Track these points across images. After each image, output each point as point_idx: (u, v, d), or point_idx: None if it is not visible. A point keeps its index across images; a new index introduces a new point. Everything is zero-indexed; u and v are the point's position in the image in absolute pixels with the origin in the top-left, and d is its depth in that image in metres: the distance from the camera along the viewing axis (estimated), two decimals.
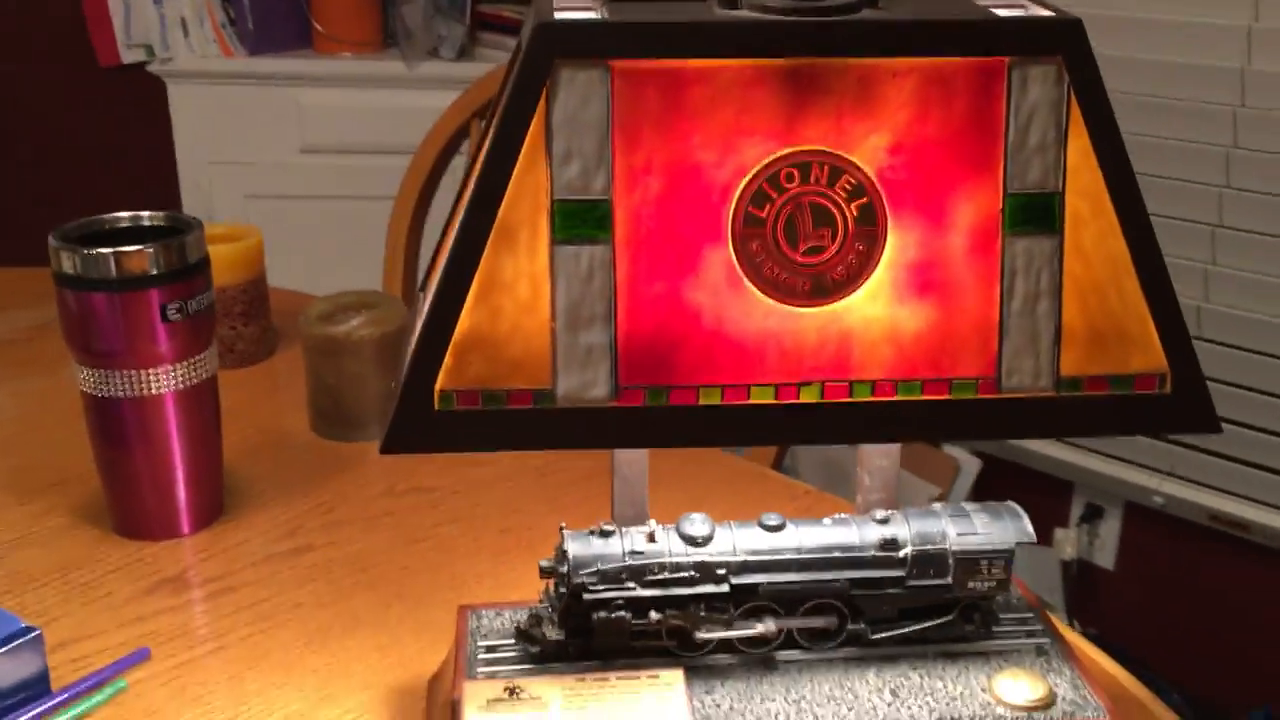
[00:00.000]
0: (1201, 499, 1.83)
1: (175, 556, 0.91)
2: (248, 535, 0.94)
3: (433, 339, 0.54)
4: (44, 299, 0.97)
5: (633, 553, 0.65)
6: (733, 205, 0.54)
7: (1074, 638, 0.74)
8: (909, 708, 0.64)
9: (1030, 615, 0.72)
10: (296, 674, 0.78)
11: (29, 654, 0.73)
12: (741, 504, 0.96)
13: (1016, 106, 0.54)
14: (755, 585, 0.65)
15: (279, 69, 2.35)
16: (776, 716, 0.64)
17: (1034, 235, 0.55)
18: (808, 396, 0.56)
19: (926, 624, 0.67)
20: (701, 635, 0.66)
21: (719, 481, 1.01)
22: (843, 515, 0.68)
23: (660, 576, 0.65)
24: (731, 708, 0.65)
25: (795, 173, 0.54)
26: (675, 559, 0.65)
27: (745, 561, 0.65)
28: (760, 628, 0.66)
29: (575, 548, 0.65)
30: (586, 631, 0.66)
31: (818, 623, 0.67)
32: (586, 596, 0.64)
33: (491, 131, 0.54)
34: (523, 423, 0.55)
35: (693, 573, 0.65)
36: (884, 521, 0.67)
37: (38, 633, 0.73)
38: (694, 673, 0.66)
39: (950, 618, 0.68)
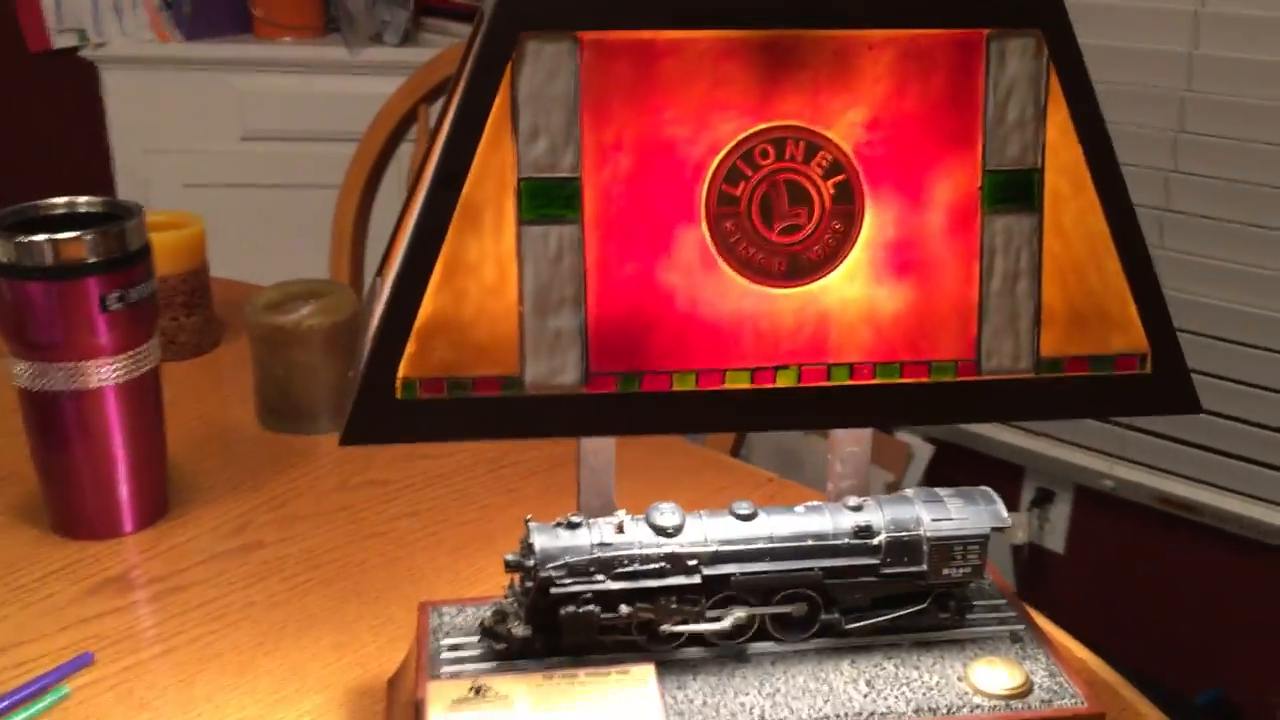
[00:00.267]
0: (1151, 482, 1.84)
1: (119, 556, 0.87)
2: (194, 532, 0.90)
3: (394, 324, 0.52)
4: None
5: (601, 544, 0.63)
6: (706, 183, 0.52)
7: (1045, 624, 0.73)
8: (885, 698, 0.63)
9: (1003, 602, 0.71)
10: (249, 676, 0.75)
11: None
12: (706, 493, 0.95)
13: (995, 81, 0.53)
14: (727, 576, 0.64)
15: (217, 54, 2.29)
16: (751, 711, 0.62)
17: (1013, 213, 0.54)
18: (784, 381, 0.54)
19: (901, 612, 0.66)
20: (672, 628, 0.64)
21: (681, 471, 0.99)
22: (815, 503, 0.66)
23: (630, 569, 0.63)
24: (705, 703, 0.63)
25: (770, 149, 0.52)
26: (645, 550, 0.63)
27: (717, 552, 0.64)
28: (730, 620, 0.64)
29: (541, 540, 0.63)
30: (554, 627, 0.64)
31: (791, 611, 0.65)
32: (554, 591, 0.62)
33: (453, 107, 0.52)
34: (489, 411, 0.53)
35: (663, 564, 0.63)
36: (857, 508, 0.65)
37: None
38: (665, 667, 0.64)
39: (925, 606, 0.66)
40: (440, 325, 0.52)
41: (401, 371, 0.52)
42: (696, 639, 0.65)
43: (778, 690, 0.64)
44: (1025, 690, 0.63)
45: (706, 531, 0.64)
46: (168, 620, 0.80)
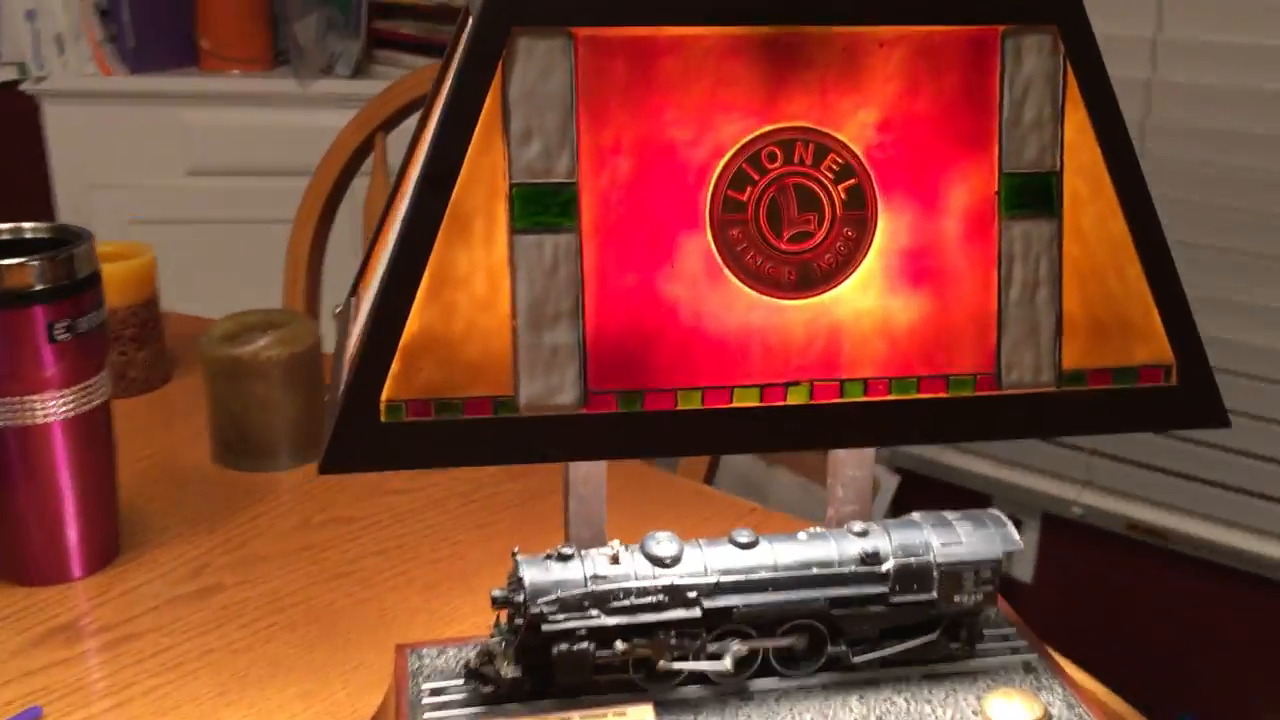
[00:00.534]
0: (1119, 508, 1.83)
1: (67, 602, 0.82)
2: (148, 576, 0.85)
3: (377, 342, 0.48)
4: None
5: (595, 577, 0.59)
6: (710, 188, 0.49)
7: (1054, 653, 0.70)
8: None
9: (1011, 630, 0.68)
10: None
11: None
12: (690, 525, 0.91)
13: (1011, 79, 0.50)
14: (729, 608, 0.60)
15: (163, 87, 2.24)
16: None
17: (1032, 218, 0.51)
18: (795, 398, 0.51)
19: (910, 644, 0.63)
20: (672, 665, 0.60)
21: (660, 502, 0.96)
22: (818, 529, 0.63)
23: (626, 603, 0.59)
24: None
25: (778, 152, 0.49)
26: (642, 582, 0.59)
27: (718, 583, 0.60)
28: (731, 657, 0.60)
29: (531, 574, 0.59)
30: (545, 666, 0.59)
31: (794, 644, 0.61)
32: (545, 628, 0.58)
33: (439, 108, 0.48)
34: (481, 434, 0.49)
35: (661, 597, 0.59)
36: (863, 534, 0.62)
37: None
38: (664, 707, 0.60)
39: (935, 636, 0.63)
40: (427, 343, 0.48)
41: (386, 393, 0.48)
42: (697, 676, 0.61)
43: None
44: None
45: (706, 561, 0.60)
46: (120, 671, 0.75)
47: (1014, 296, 0.51)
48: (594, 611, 0.59)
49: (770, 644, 0.61)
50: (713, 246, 0.50)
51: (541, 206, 0.48)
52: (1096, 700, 0.70)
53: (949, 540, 0.62)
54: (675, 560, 0.60)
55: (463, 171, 0.48)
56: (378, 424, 0.48)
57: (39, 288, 0.77)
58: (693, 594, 0.59)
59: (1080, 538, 1.90)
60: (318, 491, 0.97)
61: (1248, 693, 1.74)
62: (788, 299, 0.50)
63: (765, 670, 0.62)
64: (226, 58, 2.27)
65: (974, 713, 0.61)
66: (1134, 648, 1.88)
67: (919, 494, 2.03)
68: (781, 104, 0.49)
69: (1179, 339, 0.52)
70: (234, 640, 0.78)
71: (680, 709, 0.61)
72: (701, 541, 0.61)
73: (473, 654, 0.62)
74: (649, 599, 0.59)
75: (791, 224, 0.50)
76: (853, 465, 0.65)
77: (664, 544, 0.60)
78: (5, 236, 0.82)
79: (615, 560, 0.59)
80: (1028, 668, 0.65)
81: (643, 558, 0.60)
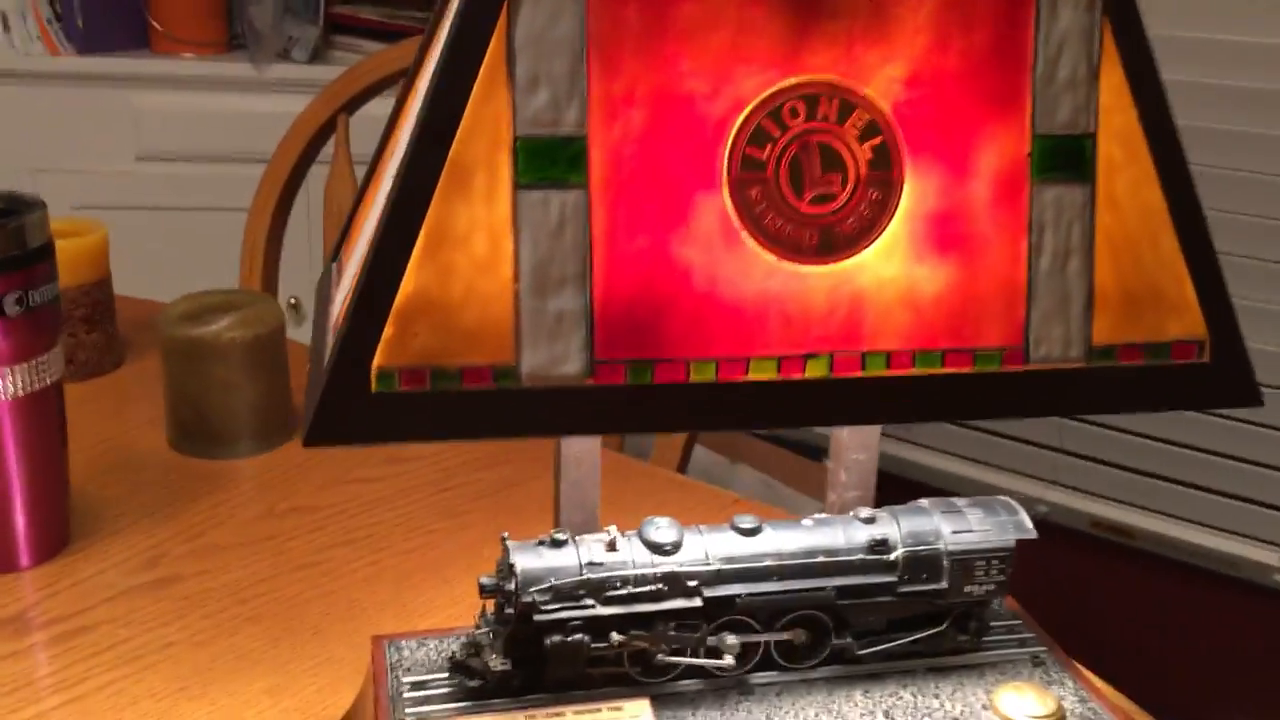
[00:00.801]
0: (1085, 507, 1.82)
1: (14, 593, 0.77)
2: (100, 566, 0.80)
3: (368, 305, 0.44)
4: None
5: (590, 564, 0.55)
6: (728, 145, 0.46)
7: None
8: None
9: (1018, 623, 0.65)
10: None
11: None
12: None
13: (1046, 35, 0.47)
14: (732, 598, 0.57)
15: (112, 69, 2.17)
16: None
17: (1064, 183, 0.48)
18: (814, 371, 0.48)
19: (918, 635, 0.60)
20: (671, 659, 0.57)
21: (639, 493, 0.92)
22: (823, 515, 0.60)
23: (623, 592, 0.56)
24: None
25: (800, 107, 0.46)
26: (640, 570, 0.56)
27: (719, 571, 0.57)
28: (732, 653, 0.57)
29: (523, 561, 0.55)
30: (536, 659, 0.56)
31: (796, 638, 0.58)
32: (538, 618, 0.55)
33: (439, 52, 0.45)
34: (480, 406, 0.46)
35: (660, 585, 0.56)
36: (870, 521, 0.59)
37: None
38: (660, 701, 0.57)
39: (943, 628, 0.60)
40: (423, 306, 0.45)
41: (377, 360, 0.45)
42: (694, 669, 0.58)
43: None
44: (1058, 718, 0.57)
45: (707, 548, 0.57)
46: (73, 665, 0.71)
47: (1044, 266, 0.48)
48: (589, 601, 0.55)
49: (772, 638, 0.58)
50: (730, 207, 0.46)
51: (548, 160, 0.45)
52: (1105, 696, 0.68)
53: (960, 528, 0.59)
54: (675, 547, 0.57)
55: (463, 121, 0.44)
56: (368, 393, 0.45)
57: None
58: (693, 582, 0.56)
59: (1046, 536, 1.89)
60: (280, 480, 0.92)
61: (1213, 690, 1.73)
62: (808, 265, 0.47)
63: (766, 663, 0.59)
64: (179, 40, 2.20)
65: (984, 707, 0.58)
66: (1099, 646, 1.87)
67: (884, 492, 2.01)
68: (805, 56, 0.46)
69: (1213, 313, 0.50)
70: (195, 632, 0.73)
71: (677, 703, 0.58)
72: (702, 528, 0.58)
73: (458, 646, 0.58)
74: (647, 588, 0.56)
75: (814, 184, 0.47)
76: (857, 448, 0.62)
77: (663, 530, 0.57)
78: None
79: (612, 547, 0.56)
80: (1036, 661, 0.62)
81: (641, 544, 0.57)
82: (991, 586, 0.60)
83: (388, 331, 0.45)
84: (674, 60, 0.45)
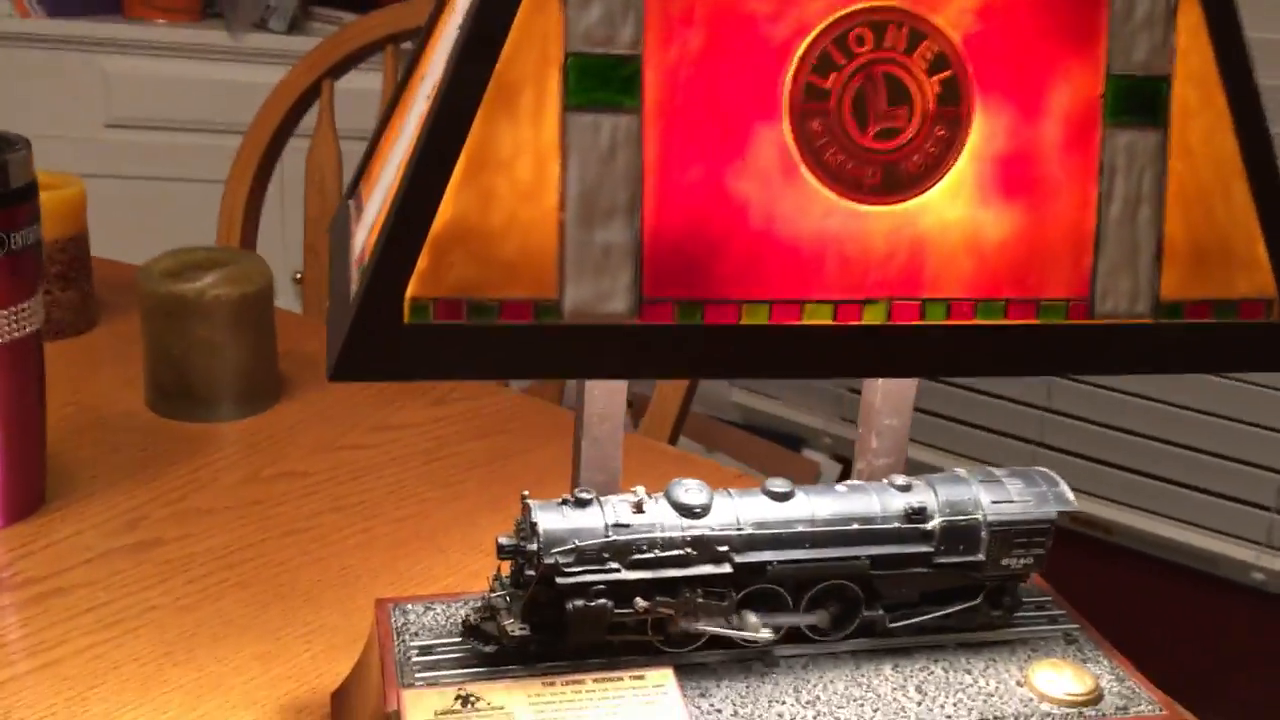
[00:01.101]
0: None
1: None
2: (77, 527, 0.77)
3: (402, 232, 0.41)
4: None
5: (616, 526, 0.52)
6: (791, 72, 0.43)
7: None
8: (941, 706, 0.54)
9: (1048, 599, 0.63)
10: (155, 692, 0.62)
11: None
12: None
13: None
14: (763, 564, 0.54)
15: (83, 33, 2.11)
16: None
17: (1138, 127, 0.46)
18: (872, 317, 0.45)
19: (952, 609, 0.57)
20: (701, 628, 0.54)
21: (636, 466, 0.89)
22: (857, 482, 0.57)
23: (649, 555, 0.53)
24: (735, 713, 0.53)
25: (868, 35, 0.43)
26: (669, 534, 0.53)
27: (751, 536, 0.54)
28: (768, 630, 0.54)
29: (546, 521, 0.52)
30: (555, 625, 0.53)
31: (822, 621, 0.55)
32: (560, 581, 0.51)
33: None
34: (519, 342, 0.42)
35: (689, 550, 0.53)
36: (905, 489, 0.56)
37: None
38: (682, 672, 0.54)
39: (977, 601, 0.58)
40: (461, 234, 0.41)
41: (411, 290, 0.41)
42: (718, 639, 0.55)
43: (817, 698, 0.54)
44: (1096, 696, 0.55)
45: (739, 512, 0.54)
46: (50, 627, 0.67)
47: (1114, 214, 0.46)
48: (614, 565, 0.52)
49: (802, 620, 0.55)
50: (790, 140, 0.43)
51: (600, 81, 0.42)
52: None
53: (999, 498, 0.57)
54: (705, 510, 0.54)
55: (510, 35, 0.41)
56: (400, 325, 0.41)
57: None
58: (723, 547, 0.53)
59: None
60: (266, 444, 0.89)
61: (1191, 687, 1.73)
62: (869, 204, 0.44)
63: (792, 634, 0.56)
64: (152, 5, 2.15)
65: (1018, 684, 0.56)
66: None
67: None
68: None
69: None
70: (179, 597, 0.70)
71: (700, 674, 0.55)
72: (732, 491, 0.55)
73: (470, 609, 0.55)
74: (675, 552, 0.53)
75: (878, 118, 0.44)
76: (890, 412, 0.59)
77: (693, 492, 0.54)
78: None
79: (639, 508, 0.53)
80: (1069, 638, 0.60)
81: (669, 506, 0.54)
82: (1029, 560, 0.57)
83: (423, 260, 0.41)
84: None
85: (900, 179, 0.45)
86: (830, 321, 0.45)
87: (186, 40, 2.13)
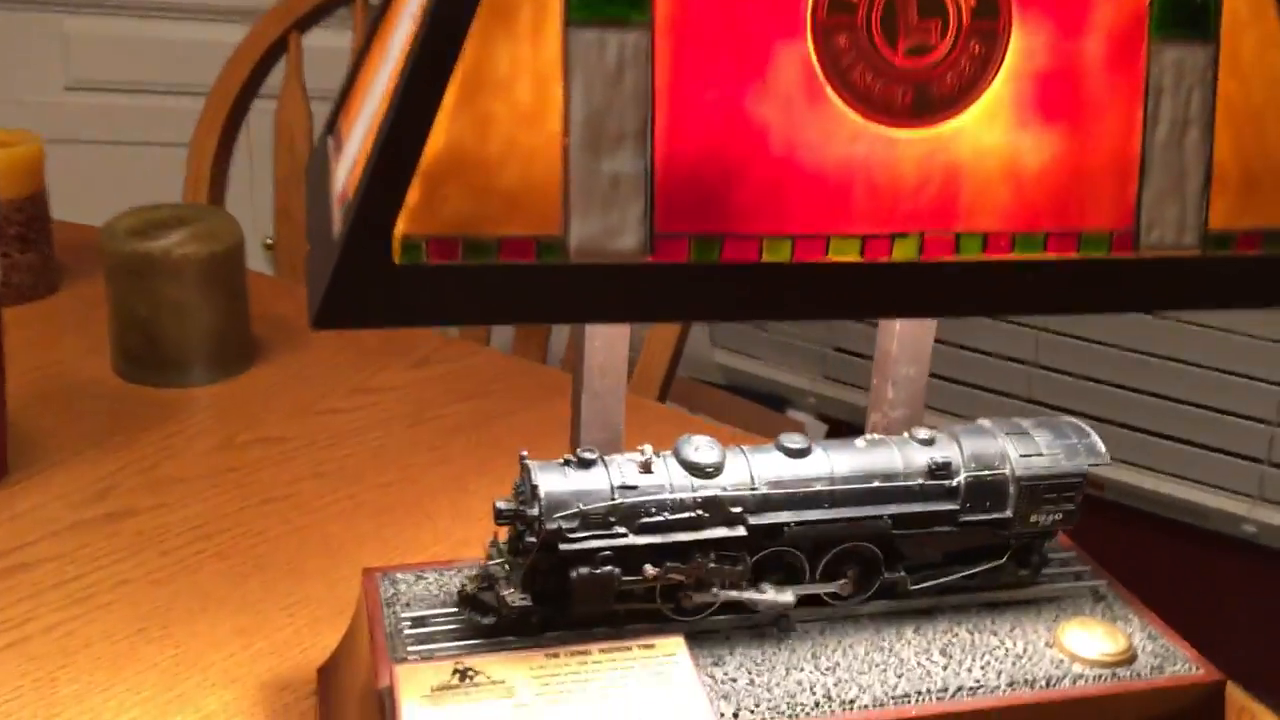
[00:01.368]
0: None
1: None
2: (41, 499, 0.73)
3: (390, 164, 0.37)
4: None
5: (623, 488, 0.49)
6: None
7: None
8: (970, 670, 0.51)
9: (1072, 555, 0.60)
10: (129, 671, 0.58)
11: None
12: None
13: None
14: (779, 526, 0.51)
15: None
16: (812, 689, 0.49)
17: (1185, 42, 0.42)
18: (902, 253, 0.41)
19: (978, 569, 0.54)
20: (716, 595, 0.50)
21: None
22: (877, 436, 0.54)
23: (658, 519, 0.49)
24: (751, 681, 0.50)
25: None
26: (679, 495, 0.49)
27: (766, 496, 0.50)
28: (791, 591, 0.50)
29: (547, 483, 0.48)
30: (558, 594, 0.49)
31: (843, 588, 0.52)
32: (563, 548, 0.48)
33: None
34: (521, 284, 0.39)
35: (700, 512, 0.49)
36: (928, 442, 0.53)
37: None
38: (694, 640, 0.51)
39: (1003, 560, 0.54)
40: (455, 164, 0.37)
41: (401, 227, 0.37)
42: (729, 605, 0.52)
43: (836, 664, 0.51)
44: (1129, 656, 0.52)
45: (753, 470, 0.51)
46: (15, 604, 0.63)
47: (1160, 138, 0.42)
48: (620, 529, 0.49)
49: (822, 589, 0.52)
50: (814, 58, 0.40)
51: None
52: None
53: (1028, 451, 0.53)
54: (717, 469, 0.50)
55: None
56: (390, 266, 0.37)
57: None
58: (737, 509, 0.50)
59: None
60: (240, 410, 0.84)
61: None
62: (900, 128, 0.41)
63: (807, 598, 0.53)
64: None
65: (1047, 645, 0.53)
66: None
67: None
68: None
69: None
70: (153, 570, 0.66)
71: (712, 641, 0.51)
72: (745, 448, 0.52)
73: (466, 579, 0.51)
74: (686, 514, 0.49)
75: (909, 33, 0.40)
76: (907, 360, 0.56)
77: (703, 450, 0.50)
78: None
79: (647, 468, 0.49)
80: (1097, 595, 0.57)
81: (678, 466, 0.50)
82: (1059, 516, 0.54)
83: (413, 194, 0.37)
84: None
85: (933, 100, 0.41)
86: (858, 258, 0.41)
87: None
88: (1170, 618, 0.56)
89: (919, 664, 0.51)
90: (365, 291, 0.37)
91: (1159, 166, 0.43)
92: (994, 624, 0.54)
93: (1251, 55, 0.43)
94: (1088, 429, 0.55)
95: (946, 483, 0.52)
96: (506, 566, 0.50)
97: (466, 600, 0.50)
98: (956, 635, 0.53)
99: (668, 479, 0.49)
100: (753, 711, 0.48)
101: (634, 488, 0.49)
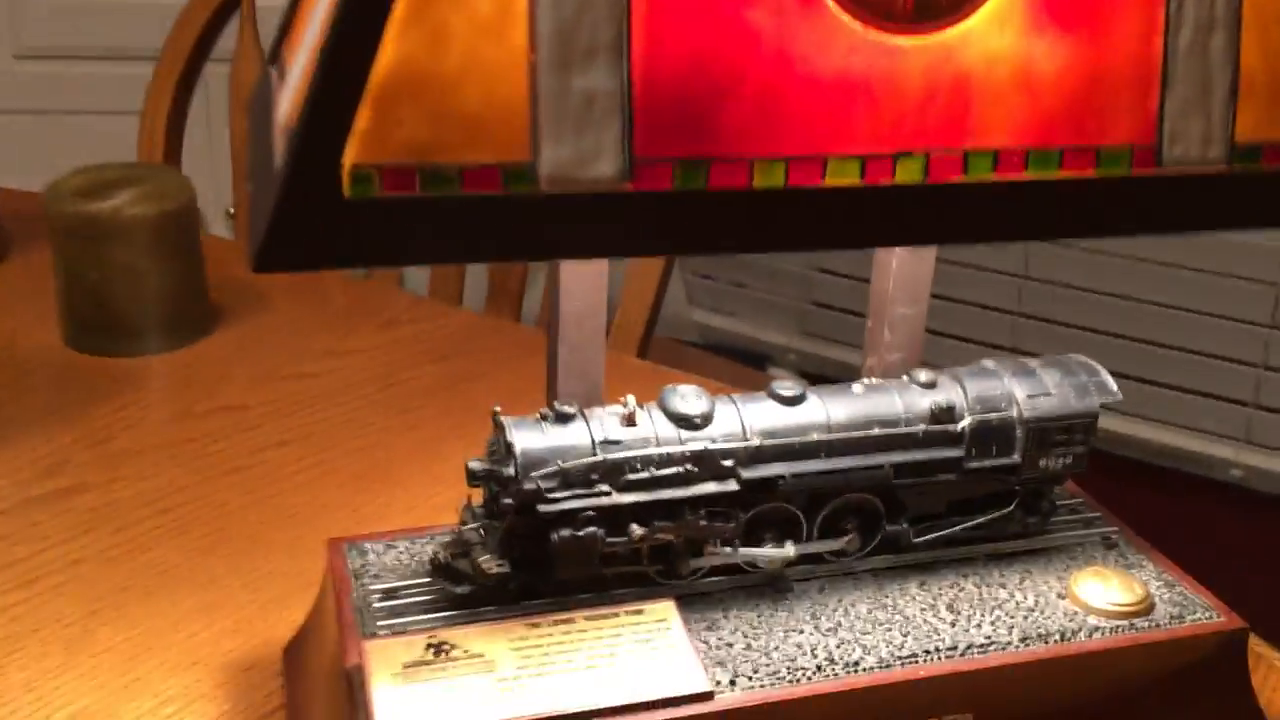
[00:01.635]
0: None
1: None
2: None
3: (336, 83, 0.33)
4: None
5: (605, 443, 0.45)
6: None
7: None
8: (979, 626, 0.48)
9: (1080, 501, 0.56)
10: (83, 656, 0.55)
11: None
12: None
13: None
14: (774, 479, 0.47)
15: None
16: (813, 652, 0.46)
17: None
18: (906, 175, 0.38)
19: (984, 518, 0.51)
20: (704, 556, 0.47)
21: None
22: (875, 380, 0.50)
23: (644, 475, 0.45)
24: (748, 646, 0.46)
25: None
26: (665, 449, 0.46)
27: (759, 447, 0.47)
28: (791, 546, 0.47)
29: (523, 439, 0.45)
30: (539, 559, 0.46)
31: (850, 545, 0.49)
32: (543, 509, 0.44)
33: None
34: (486, 217, 0.35)
35: (689, 467, 0.46)
36: (930, 385, 0.50)
37: None
38: (686, 604, 0.47)
39: (1010, 509, 0.51)
40: (408, 83, 0.33)
41: (350, 156, 0.33)
42: (723, 565, 0.48)
43: (838, 624, 0.48)
44: (1147, 606, 0.49)
45: (745, 420, 0.47)
46: None
47: (1184, 42, 0.39)
48: (603, 487, 0.45)
49: (823, 548, 0.49)
50: None
51: None
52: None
53: (1035, 391, 0.50)
54: (706, 420, 0.47)
55: None
56: (338, 199, 0.33)
57: None
58: (728, 462, 0.46)
59: None
60: (198, 378, 0.80)
61: None
62: (902, 35, 0.37)
63: (804, 555, 0.49)
64: None
65: (1059, 596, 0.50)
66: None
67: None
68: None
69: None
70: (107, 548, 0.62)
71: (705, 604, 0.48)
72: (735, 397, 0.48)
73: (439, 546, 0.48)
74: (673, 470, 0.46)
75: None
76: (905, 300, 0.52)
77: (690, 400, 0.47)
78: None
79: (630, 421, 0.46)
80: (1108, 543, 0.54)
81: (664, 417, 0.46)
82: (1069, 460, 0.51)
83: (363, 118, 0.33)
84: None
85: (937, 3, 0.37)
86: (858, 181, 0.37)
87: None
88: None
89: (925, 621, 0.48)
90: (312, 229, 0.33)
91: (1182, 73, 0.39)
92: (1003, 576, 0.51)
93: None
94: (1097, 366, 0.52)
95: (950, 428, 0.49)
96: (482, 531, 0.46)
97: (440, 569, 0.47)
98: (963, 589, 0.50)
99: (653, 432, 0.46)
100: (750, 678, 0.45)
101: (617, 442, 0.45)
